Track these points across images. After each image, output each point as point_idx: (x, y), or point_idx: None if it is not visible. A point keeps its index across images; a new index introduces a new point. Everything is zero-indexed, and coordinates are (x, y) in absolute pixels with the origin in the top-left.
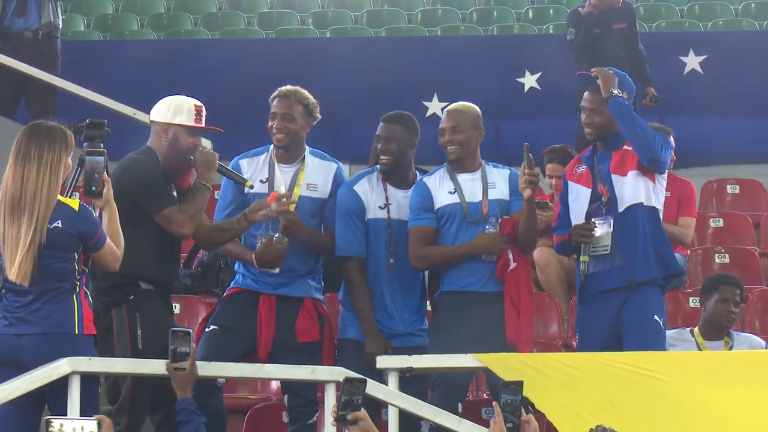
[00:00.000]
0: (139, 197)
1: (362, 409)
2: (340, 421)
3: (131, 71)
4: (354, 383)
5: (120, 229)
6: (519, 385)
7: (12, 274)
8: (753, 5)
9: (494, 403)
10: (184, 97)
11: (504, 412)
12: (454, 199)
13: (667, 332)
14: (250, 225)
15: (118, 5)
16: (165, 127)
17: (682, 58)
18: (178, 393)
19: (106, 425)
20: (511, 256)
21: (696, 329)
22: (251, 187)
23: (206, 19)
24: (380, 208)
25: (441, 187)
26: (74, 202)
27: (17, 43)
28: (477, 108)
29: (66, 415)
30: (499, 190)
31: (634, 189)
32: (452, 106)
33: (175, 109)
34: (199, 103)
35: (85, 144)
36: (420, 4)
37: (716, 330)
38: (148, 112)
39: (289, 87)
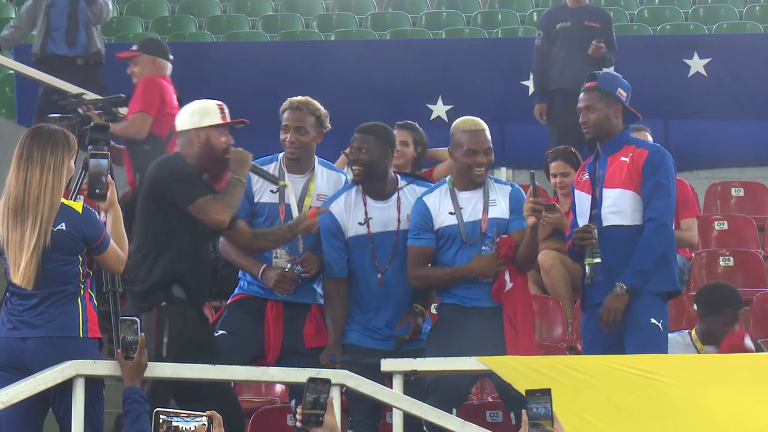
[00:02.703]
0: (171, 192)
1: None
2: (305, 421)
3: None
4: (318, 383)
5: (124, 232)
6: (546, 393)
7: (16, 278)
8: (757, 8)
9: (523, 411)
10: (205, 100)
11: (532, 421)
12: (453, 220)
13: (670, 335)
14: (294, 237)
15: (123, 8)
16: (196, 132)
17: (687, 61)
18: (126, 382)
19: (217, 421)
20: (507, 277)
21: (693, 332)
22: (284, 186)
23: (210, 22)
24: (360, 224)
25: (441, 207)
26: (77, 205)
27: (67, 67)
28: None
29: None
30: (499, 208)
31: (615, 208)
32: (475, 125)
33: (201, 113)
34: (219, 102)
35: (89, 147)
36: (424, 6)
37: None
38: None
39: (300, 98)
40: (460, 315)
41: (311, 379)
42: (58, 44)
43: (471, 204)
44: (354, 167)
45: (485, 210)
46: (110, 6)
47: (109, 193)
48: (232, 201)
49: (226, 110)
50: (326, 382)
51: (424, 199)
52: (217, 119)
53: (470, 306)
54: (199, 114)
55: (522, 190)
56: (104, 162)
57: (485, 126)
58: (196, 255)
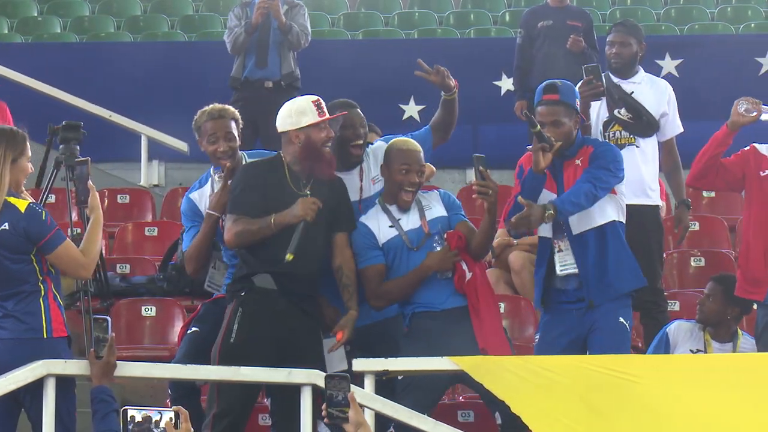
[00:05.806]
0: None
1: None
2: (330, 418)
3: (107, 73)
4: (336, 380)
5: (98, 238)
6: None
7: None
8: (729, 9)
9: None
10: (300, 99)
11: None
12: (394, 232)
13: (681, 322)
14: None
15: (95, 7)
16: (296, 133)
17: (659, 62)
18: (93, 381)
19: (183, 416)
20: (465, 267)
21: (706, 333)
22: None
23: (183, 22)
24: None
25: (380, 224)
26: (22, 203)
27: (257, 92)
28: None
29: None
30: (436, 210)
31: (580, 214)
32: (412, 145)
33: (298, 113)
34: (315, 98)
35: (60, 146)
36: (397, 7)
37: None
38: (124, 114)
39: (218, 106)
40: (431, 322)
41: (328, 377)
42: (249, 68)
43: (407, 215)
44: (358, 142)
45: (422, 215)
46: (309, 30)
47: (90, 197)
48: (250, 228)
49: (323, 104)
50: (344, 379)
51: (362, 220)
52: (314, 118)
53: (440, 310)
54: (296, 115)
55: (448, 192)
56: (84, 168)
57: (421, 149)
58: (281, 247)
